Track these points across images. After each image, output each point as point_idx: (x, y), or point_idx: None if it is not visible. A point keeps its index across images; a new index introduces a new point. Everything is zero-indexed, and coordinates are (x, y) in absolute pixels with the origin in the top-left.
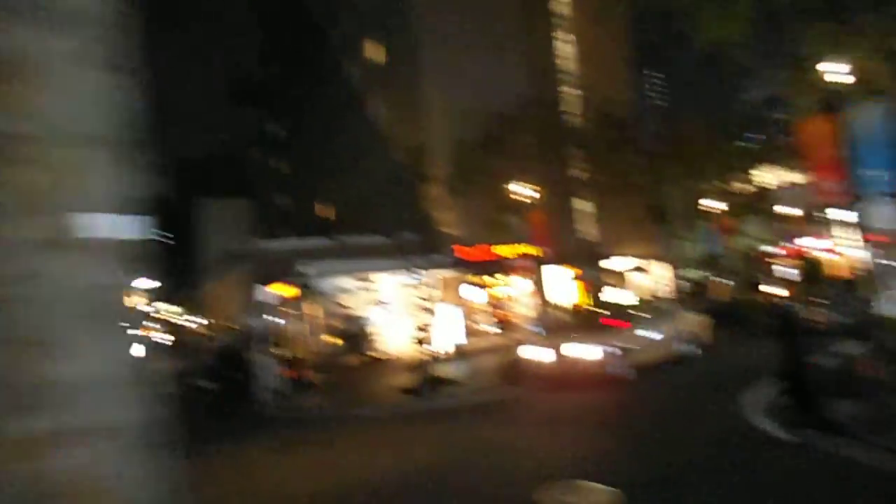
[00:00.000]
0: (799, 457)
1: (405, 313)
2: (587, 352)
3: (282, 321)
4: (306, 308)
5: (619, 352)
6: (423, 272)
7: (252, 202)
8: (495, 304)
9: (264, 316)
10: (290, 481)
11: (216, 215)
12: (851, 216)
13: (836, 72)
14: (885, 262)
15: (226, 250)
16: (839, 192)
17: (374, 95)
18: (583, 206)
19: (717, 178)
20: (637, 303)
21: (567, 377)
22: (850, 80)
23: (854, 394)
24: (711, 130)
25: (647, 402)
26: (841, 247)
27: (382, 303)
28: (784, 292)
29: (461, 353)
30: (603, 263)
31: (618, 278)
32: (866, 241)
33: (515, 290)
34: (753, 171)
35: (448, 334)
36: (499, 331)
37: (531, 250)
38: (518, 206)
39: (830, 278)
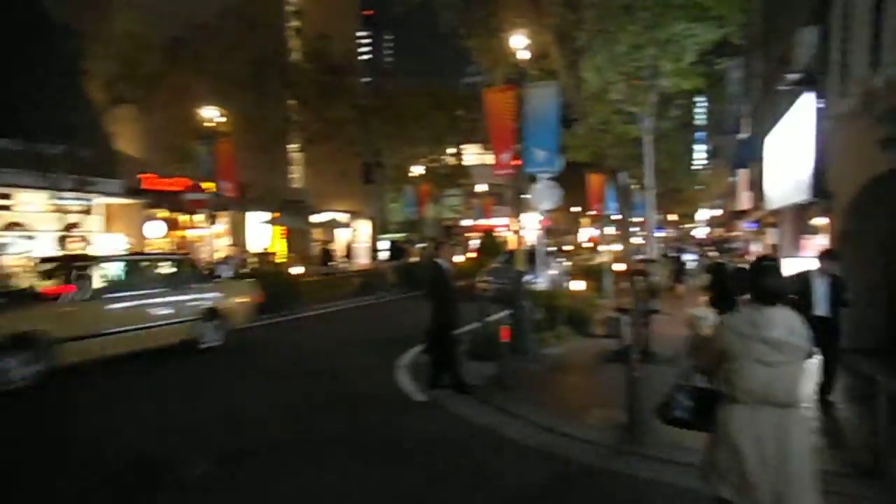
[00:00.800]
0: (427, 418)
1: (52, 243)
2: None
3: None
4: None
5: None
6: (90, 196)
7: None
8: (181, 244)
9: None
10: None
11: None
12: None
13: (516, 46)
14: (544, 241)
15: None
16: (512, 169)
17: None
18: (293, 153)
19: (427, 146)
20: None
21: None
22: (528, 55)
23: (494, 357)
24: (430, 98)
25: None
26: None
27: (17, 225)
28: (461, 259)
29: None
30: (311, 216)
31: (326, 232)
32: (540, 224)
33: (207, 232)
34: (463, 147)
35: None
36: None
37: (230, 190)
38: (211, 136)
39: (505, 252)
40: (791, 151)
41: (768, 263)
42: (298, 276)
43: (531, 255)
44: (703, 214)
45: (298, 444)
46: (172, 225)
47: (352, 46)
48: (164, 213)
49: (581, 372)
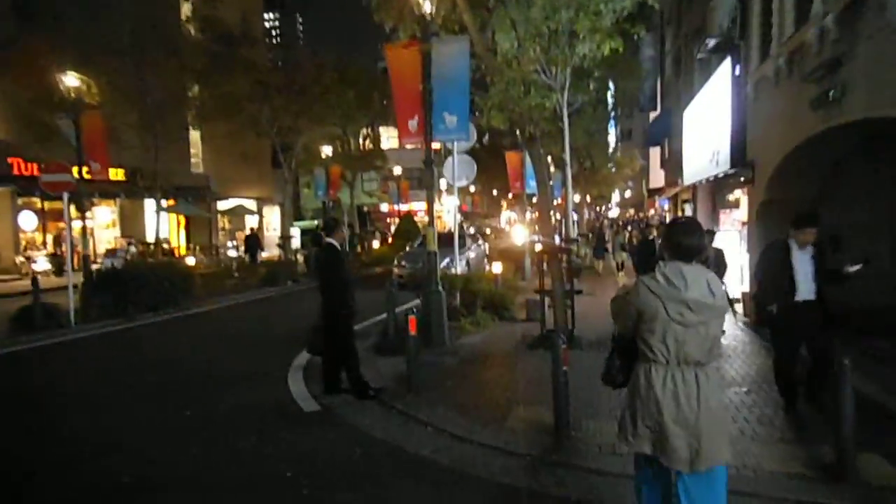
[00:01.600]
0: (316, 433)
1: None
2: None
3: None
4: None
5: None
6: None
7: None
8: (60, 235)
9: None
10: None
11: None
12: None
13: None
14: (462, 223)
15: None
16: (420, 137)
17: None
18: (191, 135)
19: (337, 125)
20: None
21: None
22: (432, 7)
23: (404, 351)
24: (338, 74)
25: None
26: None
27: None
28: (378, 246)
29: None
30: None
31: (233, 220)
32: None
33: (95, 223)
34: (380, 129)
35: None
36: (47, 268)
37: (99, 172)
38: (76, 108)
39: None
40: (709, 123)
41: (684, 220)
42: (191, 267)
43: (447, 238)
44: (616, 196)
45: (142, 480)
46: (55, 215)
47: (251, 17)
48: (37, 202)
49: (502, 362)
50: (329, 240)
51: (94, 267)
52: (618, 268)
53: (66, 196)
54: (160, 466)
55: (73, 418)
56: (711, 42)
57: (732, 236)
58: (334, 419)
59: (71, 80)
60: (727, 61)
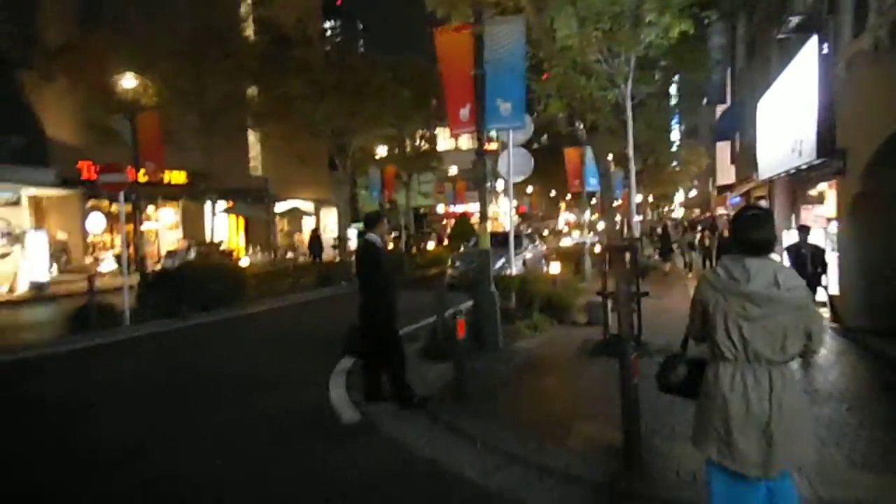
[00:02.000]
0: (353, 449)
1: None
2: None
3: None
4: None
5: None
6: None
7: None
8: (132, 239)
9: None
10: None
11: None
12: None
13: None
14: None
15: None
16: (472, 126)
17: None
18: (250, 138)
19: (392, 126)
20: None
21: None
22: None
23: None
24: (393, 73)
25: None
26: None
27: None
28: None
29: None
30: (274, 205)
31: (290, 222)
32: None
33: (160, 225)
34: (436, 131)
35: (32, 269)
36: (113, 269)
37: (153, 172)
38: (133, 109)
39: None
40: (790, 111)
41: (753, 212)
42: (246, 268)
43: (503, 237)
44: (681, 196)
45: (150, 497)
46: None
47: (308, 19)
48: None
49: (560, 371)
50: (369, 235)
51: (158, 267)
52: (687, 268)
53: (121, 196)
54: (177, 481)
55: (92, 424)
56: (794, 20)
57: (817, 234)
58: (373, 431)
59: (129, 81)
60: (813, 40)
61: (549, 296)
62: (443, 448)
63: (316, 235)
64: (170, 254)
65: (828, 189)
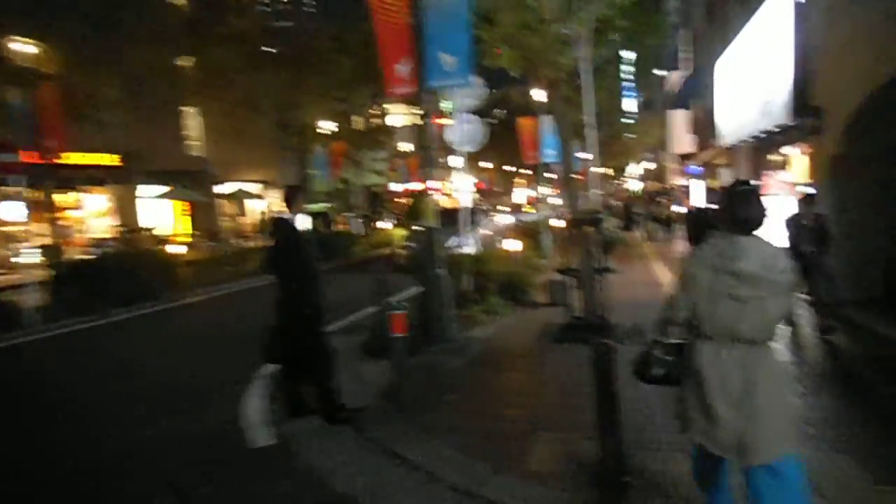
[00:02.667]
0: (257, 485)
1: None
2: None
3: None
4: None
5: None
6: None
7: None
8: (63, 227)
9: None
10: None
11: None
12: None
13: None
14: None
15: None
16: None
17: None
18: (187, 116)
19: (336, 99)
20: None
21: None
22: None
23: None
24: (333, 42)
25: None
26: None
27: None
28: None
29: None
30: (216, 187)
31: (234, 205)
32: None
33: (86, 212)
34: (386, 106)
35: None
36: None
37: (111, 159)
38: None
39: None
40: (756, 69)
41: (744, 187)
42: (179, 256)
43: (454, 214)
44: (635, 168)
45: None
46: (47, 206)
47: None
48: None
49: (521, 363)
50: (283, 213)
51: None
52: (646, 238)
53: (19, 179)
54: None
55: None
56: None
57: (790, 202)
58: (288, 458)
59: (20, 46)
60: None
61: (507, 275)
62: (372, 481)
63: (269, 219)
64: (97, 242)
65: (796, 153)
